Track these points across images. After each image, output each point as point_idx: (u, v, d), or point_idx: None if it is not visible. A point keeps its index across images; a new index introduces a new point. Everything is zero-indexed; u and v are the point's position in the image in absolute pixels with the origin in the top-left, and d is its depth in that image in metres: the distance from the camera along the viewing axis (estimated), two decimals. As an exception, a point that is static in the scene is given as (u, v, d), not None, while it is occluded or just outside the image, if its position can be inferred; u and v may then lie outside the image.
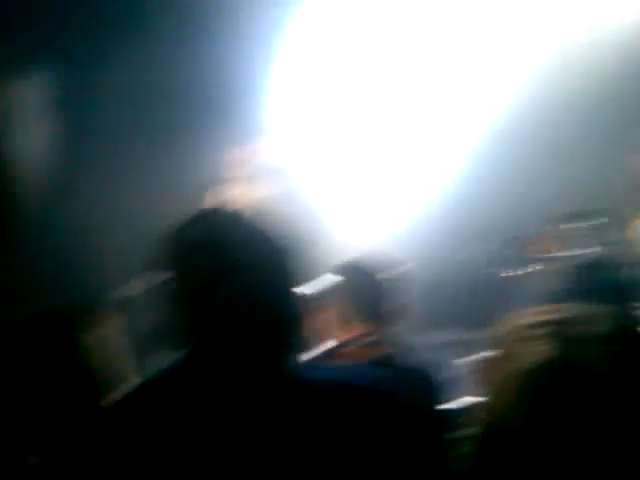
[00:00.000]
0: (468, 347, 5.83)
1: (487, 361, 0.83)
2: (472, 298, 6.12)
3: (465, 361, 3.67)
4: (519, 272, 5.57)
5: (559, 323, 0.82)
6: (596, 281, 2.68)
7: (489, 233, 5.90)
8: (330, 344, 1.85)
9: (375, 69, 5.96)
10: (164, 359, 1.19)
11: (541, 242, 5.76)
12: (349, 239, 5.48)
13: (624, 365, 0.76)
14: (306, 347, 1.76)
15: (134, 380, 1.44)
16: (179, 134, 5.52)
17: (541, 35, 5.84)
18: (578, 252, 5.10)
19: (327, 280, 1.97)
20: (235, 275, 1.12)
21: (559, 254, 5.47)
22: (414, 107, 6.10)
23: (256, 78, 5.59)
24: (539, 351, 0.79)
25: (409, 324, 6.10)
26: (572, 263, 5.16)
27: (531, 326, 0.83)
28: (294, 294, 1.20)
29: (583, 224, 5.42)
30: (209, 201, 4.76)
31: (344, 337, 1.82)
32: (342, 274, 1.93)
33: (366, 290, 1.90)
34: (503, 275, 5.73)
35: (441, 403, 1.85)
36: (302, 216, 4.83)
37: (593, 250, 5.05)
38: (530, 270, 5.47)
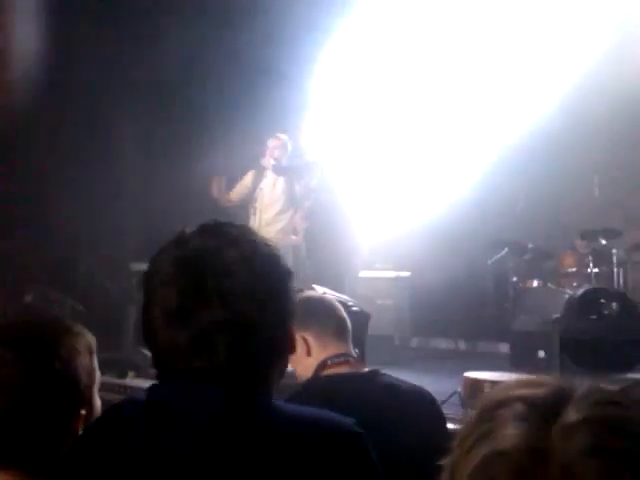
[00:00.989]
0: (469, 359, 5.87)
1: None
2: (492, 306, 6.11)
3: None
4: (542, 284, 5.52)
5: (532, 402, 0.66)
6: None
7: (521, 244, 5.86)
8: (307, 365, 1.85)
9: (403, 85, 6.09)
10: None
11: (569, 257, 5.70)
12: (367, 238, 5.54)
13: (605, 462, 0.59)
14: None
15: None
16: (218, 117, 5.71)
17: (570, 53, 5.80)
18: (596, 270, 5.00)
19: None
20: (215, 301, 0.99)
21: (586, 270, 5.41)
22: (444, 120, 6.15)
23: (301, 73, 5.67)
24: (501, 437, 0.63)
25: (414, 330, 6.17)
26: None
27: (500, 403, 0.67)
28: (282, 327, 1.07)
29: (609, 241, 5.33)
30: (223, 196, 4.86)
31: (323, 356, 1.84)
32: (317, 299, 1.93)
33: (332, 305, 1.90)
34: (527, 286, 5.70)
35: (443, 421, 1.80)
36: (330, 209, 5.00)
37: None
38: (552, 284, 5.41)
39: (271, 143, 4.93)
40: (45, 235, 5.14)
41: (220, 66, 5.70)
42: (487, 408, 0.67)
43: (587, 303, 2.65)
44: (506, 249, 5.98)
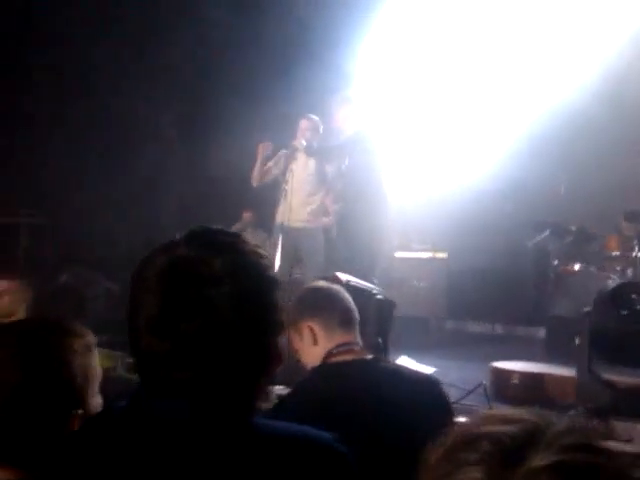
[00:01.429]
0: (504, 343, 5.76)
1: None
2: (532, 290, 5.96)
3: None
4: (584, 268, 5.33)
5: (499, 442, 0.60)
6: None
7: (563, 226, 5.67)
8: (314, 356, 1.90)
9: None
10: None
11: (613, 240, 5.48)
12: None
13: None
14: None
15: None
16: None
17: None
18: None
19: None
20: (197, 311, 0.98)
21: (631, 253, 5.19)
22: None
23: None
24: None
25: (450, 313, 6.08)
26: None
27: (466, 441, 0.63)
28: (266, 338, 1.05)
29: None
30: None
31: (329, 345, 1.86)
32: (324, 288, 1.96)
33: (340, 294, 1.93)
34: (569, 269, 5.51)
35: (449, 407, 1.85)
36: (362, 190, 4.92)
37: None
38: (595, 268, 5.22)
39: (303, 124, 4.89)
40: (85, 215, 5.26)
41: (253, 49, 5.65)
42: (452, 447, 0.63)
43: (618, 297, 2.54)
44: (547, 231, 5.78)
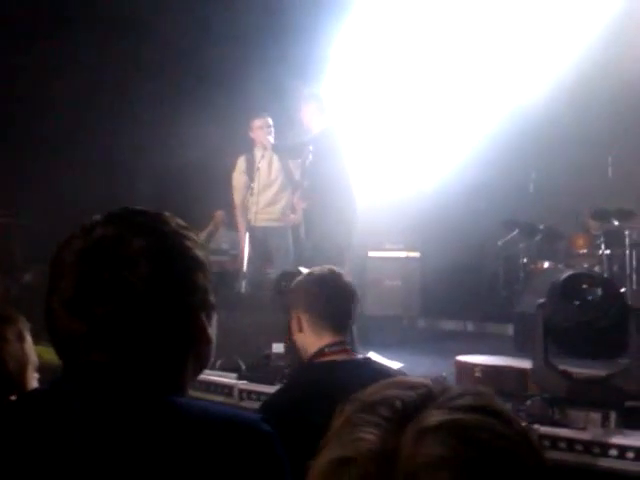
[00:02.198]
0: (476, 341, 5.82)
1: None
2: (502, 288, 6.02)
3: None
4: (553, 266, 5.41)
5: (396, 405, 0.61)
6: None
7: (532, 225, 5.74)
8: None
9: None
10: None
11: (580, 238, 5.57)
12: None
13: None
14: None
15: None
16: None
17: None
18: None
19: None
20: (112, 293, 0.98)
21: (598, 251, 5.28)
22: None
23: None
24: (351, 441, 0.60)
25: (423, 311, 6.13)
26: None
27: (366, 405, 0.64)
28: (188, 319, 1.04)
29: (622, 223, 5.18)
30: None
31: (319, 343, 1.87)
32: (318, 284, 1.92)
33: (337, 300, 1.89)
34: (538, 267, 5.59)
35: None
36: (328, 188, 4.93)
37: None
38: (563, 266, 5.30)
39: (257, 123, 4.92)
40: (51, 211, 5.20)
41: (228, 39, 5.66)
42: (353, 410, 0.64)
43: (570, 288, 2.59)
44: (517, 230, 5.87)
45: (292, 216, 5.09)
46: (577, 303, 2.60)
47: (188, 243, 1.06)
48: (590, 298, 2.60)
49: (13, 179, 5.20)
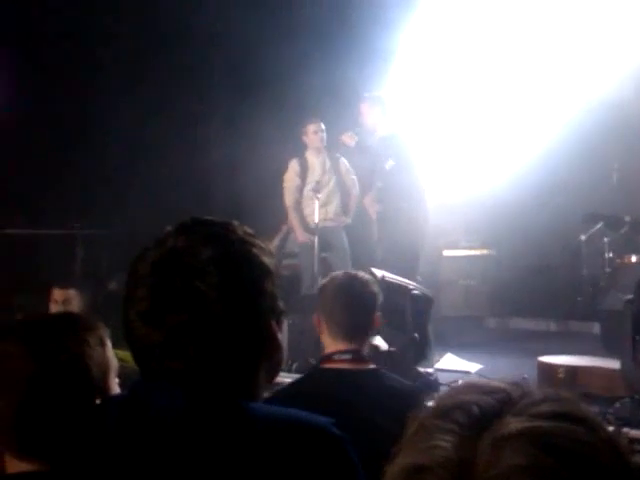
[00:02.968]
0: (560, 340, 5.56)
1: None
2: (587, 284, 5.75)
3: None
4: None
5: (473, 411, 0.59)
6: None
7: (617, 217, 5.46)
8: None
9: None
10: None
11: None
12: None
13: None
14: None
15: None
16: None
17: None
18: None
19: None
20: (184, 303, 1.01)
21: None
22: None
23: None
24: (426, 448, 0.58)
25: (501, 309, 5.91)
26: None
27: (441, 411, 0.61)
28: (258, 327, 1.06)
29: None
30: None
31: (331, 349, 1.86)
32: (335, 291, 1.92)
33: (353, 309, 1.87)
34: (625, 261, 5.30)
35: None
36: (401, 189, 4.90)
37: None
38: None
39: (311, 127, 5.05)
40: (136, 220, 5.44)
41: (285, 44, 5.72)
42: (428, 416, 0.62)
43: (660, 283, 2.44)
44: (601, 223, 5.59)
45: (344, 218, 5.18)
46: (668, 298, 2.44)
47: (255, 250, 1.08)
48: (682, 293, 2.44)
49: (101, 190, 5.48)
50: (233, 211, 5.93)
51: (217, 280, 1.01)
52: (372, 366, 1.86)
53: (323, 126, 5.09)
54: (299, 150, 5.20)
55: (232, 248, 1.05)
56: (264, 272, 1.08)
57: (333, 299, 1.90)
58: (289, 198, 5.15)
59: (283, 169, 5.23)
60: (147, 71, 5.94)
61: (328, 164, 5.13)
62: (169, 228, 1.08)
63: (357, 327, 1.89)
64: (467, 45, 6.00)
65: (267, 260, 1.09)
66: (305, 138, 5.10)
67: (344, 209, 5.20)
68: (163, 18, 5.94)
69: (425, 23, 5.89)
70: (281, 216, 6.14)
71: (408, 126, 5.06)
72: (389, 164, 4.81)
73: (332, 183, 5.12)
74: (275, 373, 1.14)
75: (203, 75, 6.37)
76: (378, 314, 1.96)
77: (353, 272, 2.06)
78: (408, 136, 4.97)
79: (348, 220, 5.19)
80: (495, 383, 0.63)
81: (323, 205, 5.01)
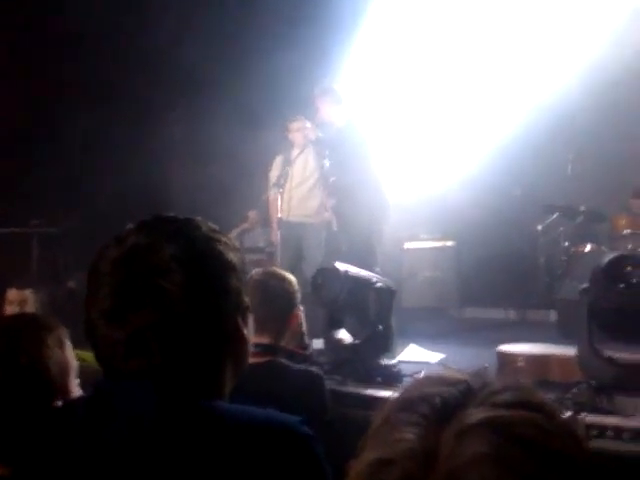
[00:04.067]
0: (518, 328, 5.70)
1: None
2: (544, 273, 5.89)
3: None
4: (596, 248, 5.26)
5: (435, 403, 0.60)
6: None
7: (572, 207, 5.60)
8: None
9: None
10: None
11: (622, 218, 5.41)
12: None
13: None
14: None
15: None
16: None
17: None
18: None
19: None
20: (148, 301, 0.99)
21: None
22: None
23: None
24: (391, 442, 0.59)
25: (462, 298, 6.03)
26: None
27: (405, 404, 0.62)
28: (222, 323, 1.05)
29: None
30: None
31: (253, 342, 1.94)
32: (253, 287, 1.97)
33: (265, 304, 1.95)
34: (580, 250, 5.45)
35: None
36: (355, 182, 4.92)
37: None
38: (606, 248, 5.15)
39: (294, 125, 4.99)
40: (94, 218, 5.33)
41: (242, 34, 5.68)
42: (391, 409, 0.63)
43: (614, 272, 2.51)
44: (557, 213, 5.73)
45: (326, 214, 5.13)
46: (622, 286, 2.52)
47: (220, 247, 1.07)
48: (635, 281, 2.53)
49: (56, 188, 5.35)
50: (190, 207, 5.88)
51: (180, 278, 0.99)
52: (269, 358, 1.94)
53: (307, 123, 5.01)
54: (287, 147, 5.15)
55: (196, 245, 1.04)
56: (229, 268, 1.06)
57: (251, 295, 1.98)
58: (269, 193, 5.13)
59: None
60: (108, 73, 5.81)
61: (312, 161, 5.05)
62: (130, 225, 1.06)
63: (267, 322, 1.97)
64: (423, 38, 6.05)
65: (232, 256, 1.08)
66: (290, 136, 5.06)
67: (325, 205, 5.13)
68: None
69: (381, 20, 5.92)
70: (243, 211, 6.11)
71: (365, 116, 5.05)
72: (328, 161, 4.84)
73: (313, 180, 5.06)
74: (241, 369, 1.13)
75: (159, 84, 6.26)
76: (297, 312, 2.04)
77: (272, 269, 2.15)
78: (364, 126, 4.96)
79: (329, 216, 5.13)
80: (456, 374, 0.65)
81: (302, 200, 4.96)
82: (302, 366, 1.98)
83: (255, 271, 2.09)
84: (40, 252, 5.22)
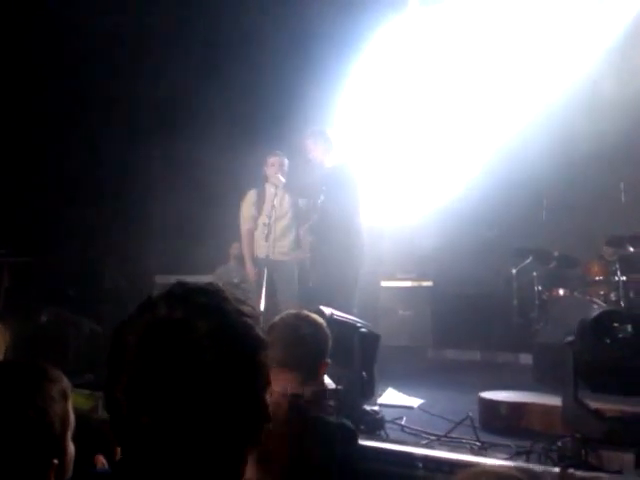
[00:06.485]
0: (490, 371, 5.73)
1: None
2: (517, 316, 5.95)
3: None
4: (569, 293, 5.35)
5: None
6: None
7: (546, 252, 5.70)
8: None
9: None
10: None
11: (595, 265, 5.53)
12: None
13: None
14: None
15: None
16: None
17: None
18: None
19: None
20: (181, 377, 0.95)
21: (613, 278, 5.23)
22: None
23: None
24: None
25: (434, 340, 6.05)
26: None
27: None
28: (253, 400, 1.02)
29: (637, 249, 5.15)
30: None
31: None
32: (285, 325, 1.95)
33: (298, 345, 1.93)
34: (553, 295, 5.53)
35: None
36: (335, 222, 4.95)
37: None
38: (579, 293, 5.25)
39: (271, 160, 5.00)
40: (70, 251, 5.21)
41: (232, 78, 5.72)
42: None
43: (601, 326, 2.55)
44: (530, 257, 5.82)
45: (299, 252, 5.13)
46: (608, 341, 2.55)
47: (249, 321, 1.04)
48: (621, 336, 2.56)
49: (25, 219, 5.21)
50: (170, 243, 5.80)
51: (212, 357, 0.96)
52: None
53: (285, 161, 5.03)
54: (260, 181, 5.15)
55: (227, 321, 1.00)
56: (259, 344, 1.03)
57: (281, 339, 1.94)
58: (243, 227, 5.09)
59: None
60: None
61: (287, 199, 5.04)
62: (157, 294, 1.02)
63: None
64: (400, 87, 6.18)
65: (260, 331, 1.05)
66: (266, 169, 5.04)
67: (299, 243, 5.13)
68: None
69: (365, 65, 6.03)
70: (227, 245, 6.05)
71: (348, 160, 5.10)
72: (320, 199, 4.86)
73: (288, 218, 5.05)
74: (258, 441, 1.08)
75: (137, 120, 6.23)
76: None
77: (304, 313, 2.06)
78: (346, 170, 5.00)
79: (304, 255, 5.12)
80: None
81: (278, 239, 4.94)
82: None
83: (284, 313, 2.05)
84: (10, 283, 5.05)
